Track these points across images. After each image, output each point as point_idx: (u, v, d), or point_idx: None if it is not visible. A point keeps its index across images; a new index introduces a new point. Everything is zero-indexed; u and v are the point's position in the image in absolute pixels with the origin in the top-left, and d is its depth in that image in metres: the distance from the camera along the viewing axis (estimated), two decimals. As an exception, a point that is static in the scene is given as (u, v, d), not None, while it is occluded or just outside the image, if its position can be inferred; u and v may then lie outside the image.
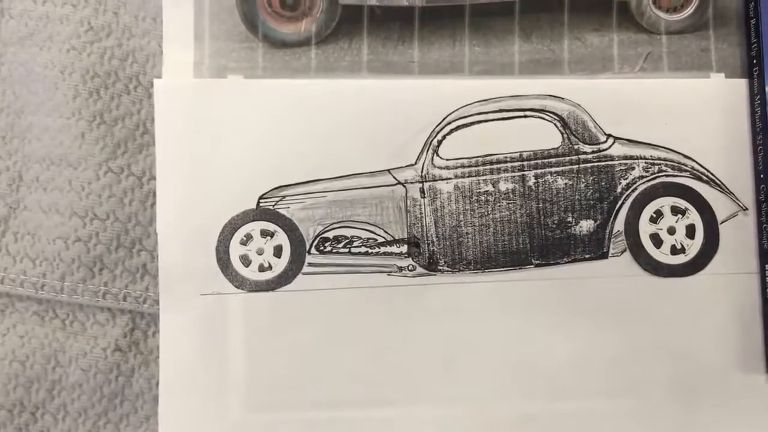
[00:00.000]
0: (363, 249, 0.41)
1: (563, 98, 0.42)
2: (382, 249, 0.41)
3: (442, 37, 0.43)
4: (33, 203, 0.42)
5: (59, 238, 0.41)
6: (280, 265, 0.41)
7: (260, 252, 0.41)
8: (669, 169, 0.42)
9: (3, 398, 0.41)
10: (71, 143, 0.42)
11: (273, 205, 0.40)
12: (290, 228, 0.41)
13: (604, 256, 0.42)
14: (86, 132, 0.42)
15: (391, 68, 0.43)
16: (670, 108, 0.43)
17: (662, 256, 0.42)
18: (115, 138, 0.42)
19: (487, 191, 0.41)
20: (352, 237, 0.41)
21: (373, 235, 0.41)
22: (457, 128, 0.42)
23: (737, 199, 0.43)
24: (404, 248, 0.41)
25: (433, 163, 0.41)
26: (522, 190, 0.41)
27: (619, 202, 0.42)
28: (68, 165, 0.42)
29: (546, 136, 0.42)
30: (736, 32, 0.44)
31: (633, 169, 0.42)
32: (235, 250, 0.40)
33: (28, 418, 0.41)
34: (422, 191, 0.41)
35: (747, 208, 0.43)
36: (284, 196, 0.40)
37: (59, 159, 0.42)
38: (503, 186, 0.41)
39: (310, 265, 0.41)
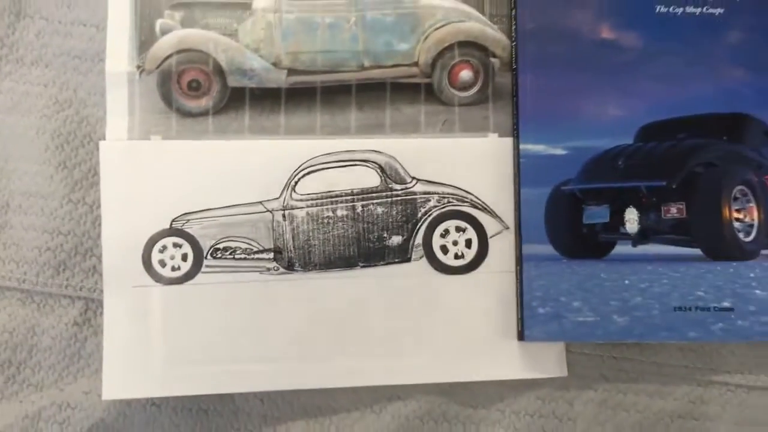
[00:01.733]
0: (243, 256, 0.61)
1: (381, 152, 0.61)
2: (256, 256, 0.61)
3: (300, 108, 0.62)
4: (17, 223, 0.61)
5: (35, 248, 0.61)
6: (186, 267, 0.60)
7: (172, 257, 0.60)
8: (455, 201, 0.62)
9: None
10: (43, 182, 0.61)
11: (181, 226, 0.60)
12: (193, 241, 0.60)
13: (408, 260, 0.61)
14: (54, 174, 0.61)
15: (265, 130, 0.62)
16: (460, 158, 0.62)
17: (448, 260, 0.62)
18: (73, 178, 0.61)
19: (328, 216, 0.61)
20: (236, 247, 0.61)
21: (250, 246, 0.61)
22: (309, 173, 0.61)
23: (502, 221, 0.62)
24: (271, 255, 0.61)
25: (291, 197, 0.61)
26: (353, 215, 0.61)
27: (419, 224, 0.62)
28: (41, 197, 0.61)
29: (370, 178, 0.61)
30: (507, 104, 0.64)
31: (429, 200, 0.62)
32: (155, 256, 0.60)
33: (14, 371, 0.61)
34: (284, 216, 0.61)
35: (509, 227, 0.62)
36: (188, 219, 0.60)
37: (35, 193, 0.61)
38: (340, 212, 0.61)
39: (207, 267, 0.60)
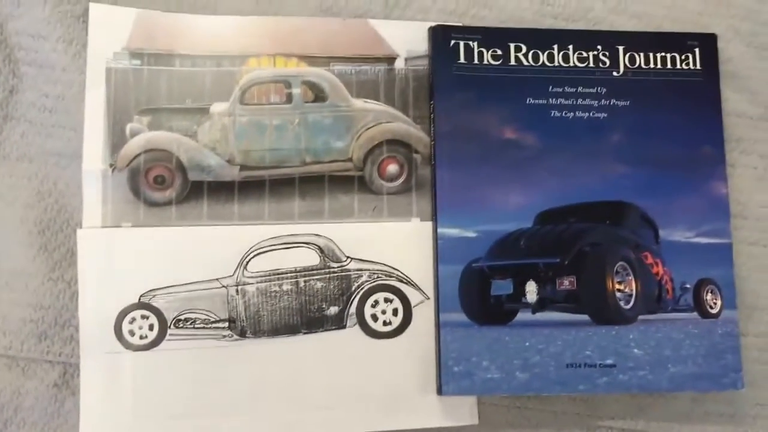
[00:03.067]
0: (202, 325, 0.71)
1: (321, 235, 0.72)
2: (213, 325, 0.71)
3: (251, 198, 0.73)
4: (3, 298, 0.70)
5: (20, 319, 0.70)
6: (152, 335, 0.70)
7: (140, 327, 0.69)
8: (383, 276, 0.73)
9: None
10: (27, 262, 0.71)
11: (148, 300, 0.70)
12: (158, 313, 0.70)
13: (344, 327, 0.72)
14: (36, 256, 0.71)
15: (221, 217, 0.72)
16: (388, 239, 0.73)
17: (378, 326, 0.72)
18: (53, 260, 0.71)
19: (275, 290, 0.72)
20: (196, 318, 0.71)
21: (208, 317, 0.71)
22: (259, 254, 0.72)
23: (423, 293, 0.73)
24: (226, 324, 0.71)
25: (243, 274, 0.72)
26: (296, 289, 0.72)
27: (353, 296, 0.73)
28: (25, 275, 0.71)
29: (311, 258, 0.72)
30: (428, 193, 0.75)
31: (362, 276, 0.73)
32: (125, 326, 0.69)
33: (1, 427, 0.70)
34: (237, 291, 0.71)
35: (429, 297, 0.73)
36: (155, 294, 0.70)
37: (20, 272, 0.71)
38: (285, 287, 0.72)
39: (171, 335, 0.70)
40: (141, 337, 0.68)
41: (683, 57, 0.76)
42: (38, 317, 0.69)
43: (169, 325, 0.68)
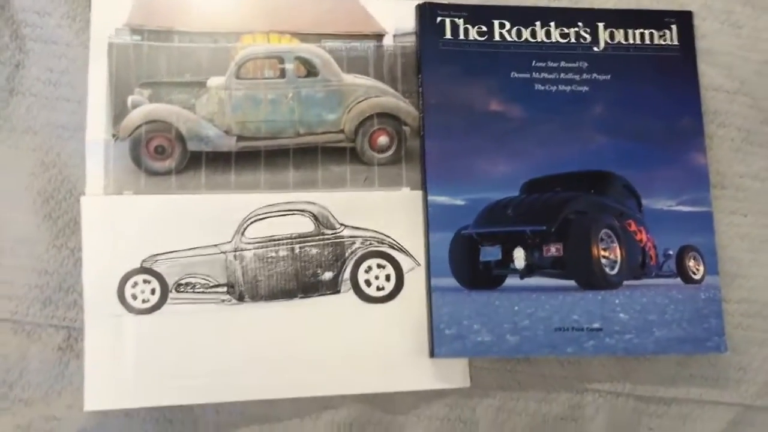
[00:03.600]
0: (202, 290, 0.73)
1: (315, 203, 0.75)
2: (213, 290, 0.74)
3: (247, 168, 0.76)
4: (9, 265, 0.72)
5: (25, 285, 0.73)
6: (154, 299, 0.72)
7: (142, 291, 0.72)
8: (376, 242, 0.76)
9: None
10: (31, 230, 0.73)
11: (150, 265, 0.72)
12: (160, 278, 0.73)
13: (338, 292, 0.75)
14: (40, 224, 0.73)
15: (219, 186, 0.75)
16: (379, 208, 0.75)
17: (371, 291, 0.75)
18: (57, 227, 0.74)
19: (272, 256, 0.75)
20: (196, 283, 0.73)
21: (207, 282, 0.73)
22: (256, 221, 0.74)
23: (415, 259, 0.76)
24: (225, 289, 0.74)
25: (241, 241, 0.74)
26: (292, 255, 0.75)
27: (347, 261, 0.75)
28: (30, 243, 0.73)
29: (306, 225, 0.75)
30: (417, 164, 0.78)
31: (355, 242, 0.76)
32: (128, 291, 0.72)
33: (6, 389, 0.71)
34: (235, 256, 0.74)
35: (420, 264, 0.76)
36: (156, 260, 0.73)
37: (24, 239, 0.73)
38: (281, 253, 0.75)
39: (172, 299, 0.72)
40: (143, 301, 0.70)
41: (661, 33, 0.79)
42: (43, 283, 0.71)
43: (170, 289, 0.71)
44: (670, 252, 0.75)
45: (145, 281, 0.71)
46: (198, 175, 0.73)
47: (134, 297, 0.70)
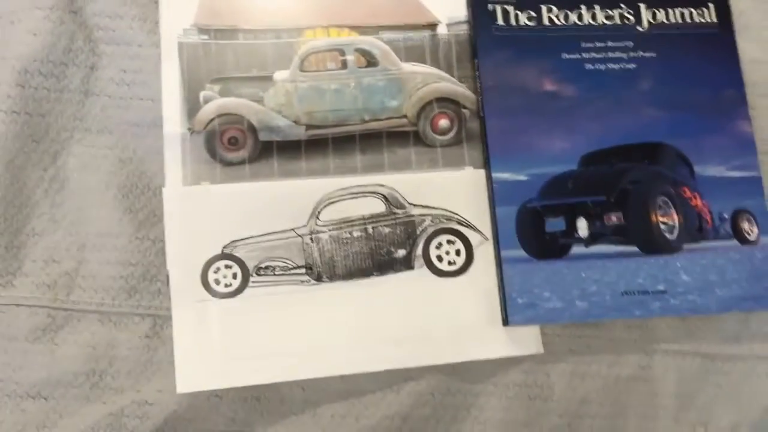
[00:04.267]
0: (281, 272, 0.76)
1: (384, 185, 0.79)
2: (292, 272, 0.76)
3: (317, 155, 0.79)
4: (93, 259, 0.75)
5: (110, 277, 0.75)
6: (236, 283, 0.75)
7: (225, 276, 0.75)
8: (444, 220, 0.79)
9: (77, 367, 0.74)
10: (113, 224, 0.75)
11: (230, 251, 0.75)
12: (240, 263, 0.75)
13: (412, 268, 0.78)
14: (121, 218, 0.76)
15: (290, 173, 0.78)
16: (445, 187, 0.79)
17: (443, 266, 0.78)
18: (138, 220, 0.76)
19: (347, 237, 0.78)
20: (275, 266, 0.76)
21: (286, 264, 0.76)
22: (329, 204, 0.77)
23: (483, 234, 0.79)
24: (303, 271, 0.77)
25: (316, 224, 0.77)
26: (365, 235, 0.78)
27: (418, 239, 0.78)
28: (112, 236, 0.76)
29: (377, 206, 0.78)
30: (478, 144, 0.81)
31: (425, 221, 0.79)
32: (211, 276, 0.75)
33: (97, 378, 0.73)
34: (311, 239, 0.77)
35: (488, 239, 0.79)
36: (236, 245, 0.75)
37: (107, 233, 0.76)
38: (355, 234, 0.78)
39: (253, 282, 0.75)
40: (226, 285, 0.73)
41: (699, 11, 0.84)
42: (127, 273, 0.74)
43: (251, 273, 0.73)
44: (725, 215, 0.78)
45: (226, 266, 0.73)
46: (270, 164, 0.76)
47: (217, 282, 0.72)
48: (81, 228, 0.75)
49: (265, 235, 0.74)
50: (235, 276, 0.73)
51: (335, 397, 0.73)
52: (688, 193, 0.79)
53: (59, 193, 0.75)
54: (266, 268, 0.73)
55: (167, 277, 0.73)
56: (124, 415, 0.71)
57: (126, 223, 0.74)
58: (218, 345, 0.72)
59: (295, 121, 0.77)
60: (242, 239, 0.73)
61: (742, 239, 0.78)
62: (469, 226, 0.76)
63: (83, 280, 0.74)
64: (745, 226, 0.78)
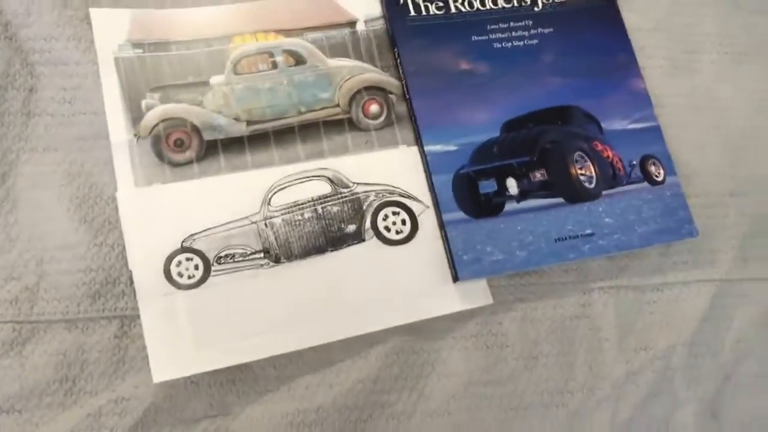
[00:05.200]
0: (241, 258, 0.80)
1: (327, 168, 0.84)
2: (251, 257, 0.80)
3: (260, 148, 0.84)
4: (53, 271, 0.76)
5: (72, 285, 0.77)
6: (199, 274, 0.78)
7: (187, 269, 0.78)
8: (387, 194, 0.85)
9: (48, 376, 0.75)
10: (70, 235, 0.77)
11: (189, 244, 0.78)
12: (201, 254, 0.79)
13: (363, 240, 0.83)
14: (77, 227, 0.78)
15: (238, 167, 0.82)
16: (383, 165, 0.85)
17: (392, 236, 0.83)
18: (94, 228, 0.77)
19: (299, 219, 0.82)
20: (234, 253, 0.80)
21: (245, 251, 0.80)
22: (278, 191, 0.82)
23: (423, 203, 0.85)
24: (262, 255, 0.81)
25: (268, 210, 0.82)
26: (316, 215, 0.83)
27: (365, 213, 0.84)
28: (70, 247, 0.77)
29: (323, 188, 0.83)
30: (407, 124, 0.88)
31: (369, 196, 0.84)
32: (173, 270, 0.77)
33: (71, 384, 0.74)
34: (266, 224, 0.81)
35: (429, 206, 0.86)
36: (195, 238, 0.79)
37: (65, 245, 0.77)
38: (306, 215, 0.83)
39: (215, 271, 0.78)
40: (189, 277, 0.76)
41: (582, -10, 0.94)
42: (89, 280, 0.76)
43: (212, 263, 0.77)
44: (634, 162, 0.88)
45: (187, 259, 0.76)
46: (217, 160, 0.80)
47: (180, 275, 0.76)
48: (38, 243, 0.76)
49: (222, 225, 0.77)
50: (197, 267, 0.76)
51: (307, 370, 0.76)
52: (600, 147, 0.88)
53: (11, 213, 0.76)
54: (226, 256, 0.77)
55: (130, 277, 0.75)
56: (102, 414, 0.72)
57: (82, 233, 0.76)
58: (189, 333, 0.74)
59: (235, 119, 0.82)
60: (200, 232, 0.77)
61: (652, 181, 0.87)
62: (410, 197, 0.82)
63: (45, 293, 0.75)
64: (653, 169, 0.88)
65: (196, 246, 0.76)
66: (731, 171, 0.91)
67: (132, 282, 0.76)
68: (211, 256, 0.76)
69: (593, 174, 0.86)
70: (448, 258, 0.80)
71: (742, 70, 0.98)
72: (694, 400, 0.83)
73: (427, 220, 0.82)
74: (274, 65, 0.84)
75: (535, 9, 0.91)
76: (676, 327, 0.84)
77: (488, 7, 0.90)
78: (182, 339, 0.74)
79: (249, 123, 0.81)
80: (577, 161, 0.86)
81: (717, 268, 0.87)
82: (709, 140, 0.92)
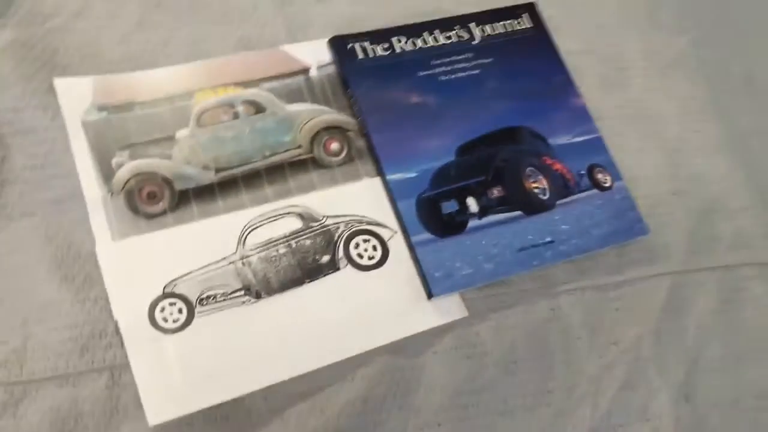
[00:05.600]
0: (223, 298, 0.83)
1: (296, 205, 0.88)
2: (232, 295, 0.83)
3: (230, 193, 0.88)
4: (39, 331, 0.78)
5: (59, 343, 0.78)
6: (183, 317, 0.80)
7: (171, 313, 0.80)
8: (356, 223, 0.89)
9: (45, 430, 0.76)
10: (53, 294, 0.80)
11: (171, 289, 0.81)
12: (183, 298, 0.81)
13: (338, 269, 0.87)
14: (59, 286, 0.80)
15: (211, 213, 0.86)
16: (349, 197, 0.89)
17: (365, 262, 0.87)
18: (75, 285, 0.80)
19: (274, 255, 0.86)
20: (216, 294, 0.83)
21: (226, 290, 0.83)
22: (252, 230, 0.86)
23: (391, 228, 0.90)
24: (242, 292, 0.84)
25: (244, 249, 0.86)
26: (291, 250, 0.86)
27: (338, 243, 0.88)
28: (54, 305, 0.79)
29: (295, 224, 0.87)
30: (368, 157, 0.94)
31: (339, 227, 0.88)
32: (158, 316, 0.79)
33: (67, 438, 0.77)
34: (243, 263, 0.85)
35: (397, 231, 0.90)
36: (176, 283, 0.81)
37: (48, 304, 0.79)
38: (281, 251, 0.86)
39: (199, 312, 0.81)
40: (174, 321, 0.78)
41: (517, 21, 1.02)
42: (75, 335, 0.77)
43: (194, 305, 0.80)
44: (582, 172, 0.94)
45: (171, 304, 0.79)
46: (190, 208, 0.84)
47: (165, 320, 0.78)
48: (21, 305, 0.78)
49: (201, 268, 0.81)
50: (180, 311, 0.79)
51: (297, 399, 0.79)
52: (549, 161, 0.94)
53: (-7, 279, 0.78)
54: (208, 297, 0.80)
55: (116, 327, 0.77)
56: (101, 463, 0.73)
57: (65, 291, 0.78)
58: (179, 374, 0.76)
59: (204, 167, 0.86)
60: (180, 276, 0.80)
61: (601, 188, 0.94)
62: (378, 224, 0.86)
63: (33, 352, 0.76)
64: (600, 177, 0.94)
65: (177, 290, 0.79)
66: (671, 171, 0.98)
67: (118, 332, 0.77)
68: (193, 298, 0.79)
69: (546, 186, 0.92)
70: (420, 277, 0.84)
71: (668, 81, 1.06)
72: (666, 386, 0.87)
73: (397, 244, 0.86)
74: (236, 115, 0.89)
75: (473, 42, 0.98)
76: (641, 319, 0.89)
77: (430, 44, 0.97)
78: (173, 380, 0.76)
79: (217, 170, 0.85)
80: (529, 176, 0.92)
81: (671, 261, 0.93)
82: (647, 145, 0.99)
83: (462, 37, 0.98)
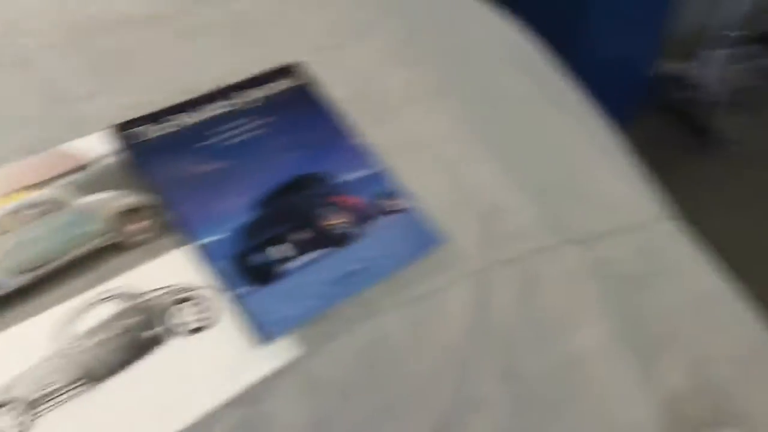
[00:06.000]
0: (59, 393, 0.82)
1: (114, 288, 0.90)
2: (70, 386, 0.83)
3: (43, 291, 0.88)
4: None
5: None
6: (24, 419, 0.80)
7: (9, 419, 0.79)
8: (177, 292, 0.92)
9: None
10: None
11: (3, 398, 0.80)
12: (18, 401, 0.81)
13: (169, 339, 0.89)
14: None
15: (27, 314, 0.86)
16: (165, 269, 0.93)
17: (192, 325, 0.91)
18: None
19: (102, 339, 0.87)
20: (53, 390, 0.82)
21: (60, 386, 0.83)
22: (74, 322, 0.87)
23: (213, 288, 0.94)
24: (79, 383, 0.84)
25: (70, 341, 0.85)
26: (118, 331, 0.88)
27: (162, 315, 0.90)
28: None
29: (116, 306, 0.89)
30: (178, 227, 0.98)
31: (161, 299, 0.91)
32: (-7, 429, 0.78)
33: None
34: (72, 354, 0.85)
35: (220, 290, 0.94)
36: (9, 387, 0.80)
37: None
38: (109, 334, 0.87)
39: (39, 412, 0.81)
40: (13, 427, 0.77)
41: (281, 83, 1.12)
42: None
43: (33, 405, 0.79)
44: (374, 201, 1.04)
45: (9, 410, 0.78)
46: (2, 316, 0.84)
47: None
48: None
49: (31, 369, 0.80)
50: (19, 415, 0.77)
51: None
52: (342, 198, 1.03)
53: None
54: (45, 395, 0.79)
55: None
56: None
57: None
58: None
59: (8, 273, 0.85)
60: (10, 381, 0.79)
61: (395, 211, 1.04)
62: (198, 287, 0.90)
63: None
64: (393, 201, 1.05)
65: (12, 394, 0.77)
66: (453, 183, 1.11)
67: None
68: (30, 398, 0.78)
69: (345, 220, 1.01)
70: (251, 326, 0.88)
71: (437, 107, 1.20)
72: (493, 376, 0.97)
73: (222, 302, 0.89)
74: (32, 217, 0.90)
75: (249, 107, 1.06)
76: (460, 319, 0.99)
77: (208, 115, 1.03)
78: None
79: (22, 273, 0.85)
80: (326, 215, 1.00)
81: (471, 261, 1.04)
82: (427, 166, 1.11)
83: (237, 104, 1.05)
